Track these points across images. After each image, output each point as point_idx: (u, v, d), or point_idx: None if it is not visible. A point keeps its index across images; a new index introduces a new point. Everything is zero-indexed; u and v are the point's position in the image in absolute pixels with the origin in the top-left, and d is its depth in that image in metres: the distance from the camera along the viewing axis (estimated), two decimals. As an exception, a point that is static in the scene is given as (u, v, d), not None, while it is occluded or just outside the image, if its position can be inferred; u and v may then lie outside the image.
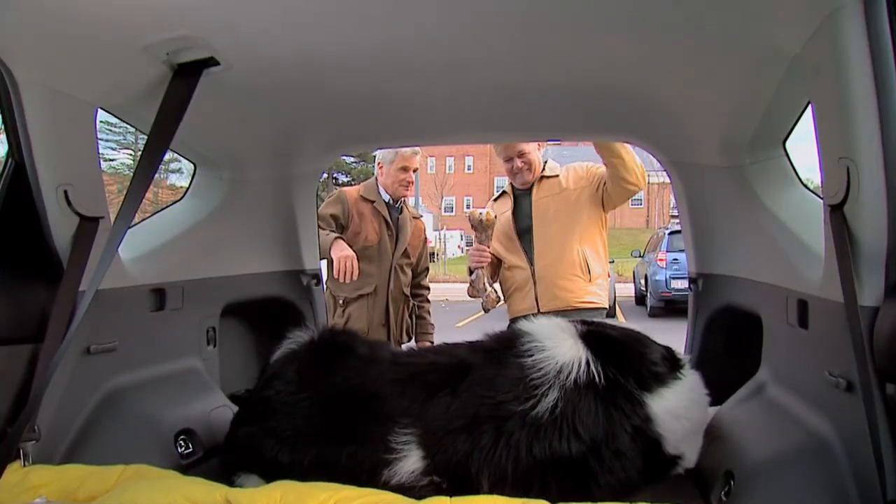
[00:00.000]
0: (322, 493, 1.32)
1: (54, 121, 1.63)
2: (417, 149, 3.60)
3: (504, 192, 3.68)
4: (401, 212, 3.72)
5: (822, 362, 1.48)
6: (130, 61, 1.68)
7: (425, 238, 3.95)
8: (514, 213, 3.50)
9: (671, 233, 13.89)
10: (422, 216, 4.03)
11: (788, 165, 2.03)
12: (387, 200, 3.64)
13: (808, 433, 1.53)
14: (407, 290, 3.71)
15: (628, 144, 2.85)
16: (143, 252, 2.11)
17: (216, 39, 1.66)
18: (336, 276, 3.26)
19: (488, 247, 3.35)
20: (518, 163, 3.43)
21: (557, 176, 3.44)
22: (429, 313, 3.93)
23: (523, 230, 3.41)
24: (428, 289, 3.96)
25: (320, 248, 3.20)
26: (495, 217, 3.33)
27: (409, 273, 3.76)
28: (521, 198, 3.53)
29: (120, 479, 1.48)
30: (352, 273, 3.27)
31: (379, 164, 3.69)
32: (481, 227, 3.31)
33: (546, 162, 3.53)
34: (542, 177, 3.47)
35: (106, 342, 1.89)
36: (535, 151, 3.49)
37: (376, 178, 3.72)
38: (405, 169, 3.61)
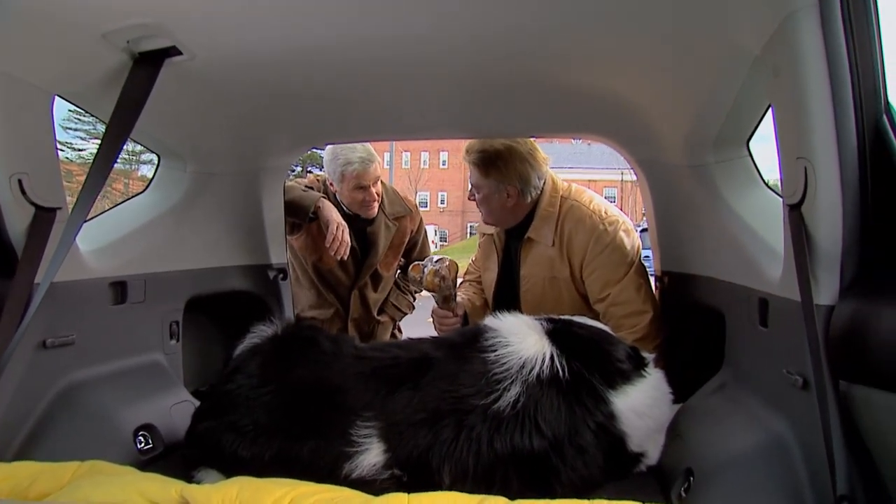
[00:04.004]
0: (279, 489, 1.30)
1: (7, 107, 1.58)
2: (370, 156, 3.00)
3: (489, 237, 2.88)
4: (372, 221, 3.17)
5: (781, 360, 1.51)
6: (89, 48, 1.64)
7: (416, 230, 3.38)
8: (500, 276, 2.81)
9: (643, 230, 14.00)
10: (413, 210, 3.37)
11: (752, 165, 2.05)
12: (349, 213, 3.12)
13: (766, 430, 1.56)
14: (377, 309, 3.33)
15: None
16: (104, 244, 2.07)
17: (178, 28, 1.63)
18: (329, 246, 2.89)
19: (452, 309, 2.68)
20: (478, 197, 2.69)
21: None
22: (411, 293, 3.50)
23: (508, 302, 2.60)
24: None
25: (297, 204, 2.92)
26: (436, 276, 2.61)
27: (385, 285, 3.34)
28: (510, 249, 2.79)
29: (74, 475, 1.44)
30: (343, 251, 2.92)
31: (329, 182, 3.13)
32: (430, 291, 2.67)
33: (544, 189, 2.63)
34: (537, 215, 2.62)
35: (63, 336, 1.84)
36: (500, 192, 2.59)
37: (335, 194, 3.13)
38: (361, 188, 3.02)
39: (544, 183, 2.65)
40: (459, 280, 2.93)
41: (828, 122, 1.26)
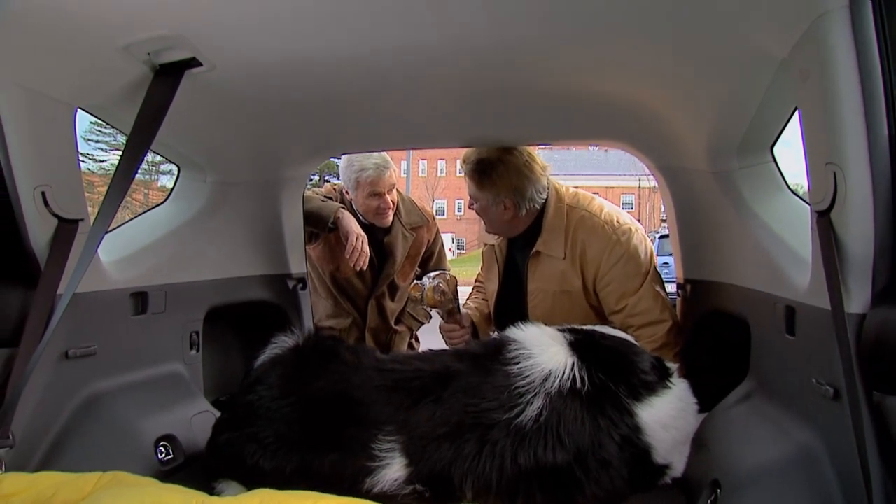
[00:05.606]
0: (301, 501, 1.30)
1: (31, 121, 1.59)
2: (385, 163, 2.99)
3: (491, 247, 2.80)
4: (389, 231, 3.15)
5: (809, 370, 1.47)
6: (110, 61, 1.65)
7: (432, 240, 3.37)
8: (502, 288, 2.73)
9: (661, 236, 13.88)
10: (430, 220, 3.35)
11: (776, 171, 2.02)
12: (366, 223, 3.09)
13: (795, 441, 1.52)
14: (394, 319, 3.33)
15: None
16: (125, 255, 2.08)
17: (198, 40, 1.64)
18: (348, 257, 2.91)
19: (458, 322, 2.67)
20: (476, 207, 2.62)
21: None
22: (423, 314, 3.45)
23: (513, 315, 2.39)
24: None
25: (317, 214, 2.93)
26: (436, 292, 2.59)
27: (402, 295, 3.30)
28: (514, 261, 2.71)
29: (96, 486, 1.44)
30: (364, 262, 2.94)
31: (344, 190, 3.13)
32: (433, 307, 2.66)
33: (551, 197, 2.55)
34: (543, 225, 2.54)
35: (85, 346, 1.85)
36: (497, 205, 2.52)
37: (351, 202, 3.12)
38: (376, 195, 3.00)
39: (547, 193, 2.57)
40: (468, 288, 2.95)
41: (858, 127, 1.23)
